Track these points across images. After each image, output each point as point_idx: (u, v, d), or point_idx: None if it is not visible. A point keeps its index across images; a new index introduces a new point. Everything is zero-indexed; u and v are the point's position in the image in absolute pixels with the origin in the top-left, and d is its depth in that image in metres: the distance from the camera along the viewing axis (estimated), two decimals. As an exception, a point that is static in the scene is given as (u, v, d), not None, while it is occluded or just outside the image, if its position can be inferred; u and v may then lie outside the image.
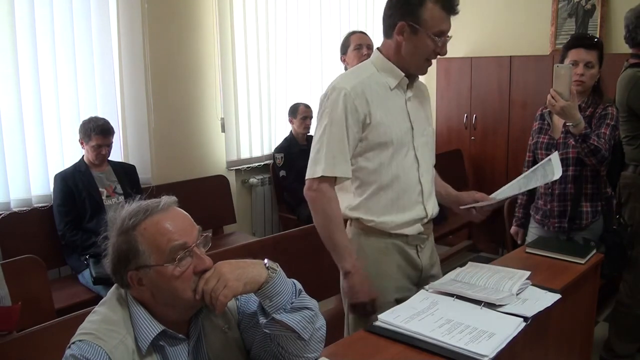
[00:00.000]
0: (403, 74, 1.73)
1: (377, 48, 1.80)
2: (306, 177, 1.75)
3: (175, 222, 1.15)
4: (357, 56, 2.96)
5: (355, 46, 2.97)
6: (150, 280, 1.13)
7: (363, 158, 1.72)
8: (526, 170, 2.51)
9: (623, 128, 2.57)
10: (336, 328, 1.82)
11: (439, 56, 1.71)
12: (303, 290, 1.23)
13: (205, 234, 1.20)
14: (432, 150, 1.89)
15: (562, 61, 2.29)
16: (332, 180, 1.69)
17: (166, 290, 1.13)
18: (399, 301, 1.66)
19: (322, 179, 1.68)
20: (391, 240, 1.76)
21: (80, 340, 1.09)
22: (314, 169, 1.71)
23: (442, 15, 1.62)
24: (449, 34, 1.67)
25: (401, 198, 1.74)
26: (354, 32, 3.07)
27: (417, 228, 1.78)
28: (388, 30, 1.72)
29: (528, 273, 1.68)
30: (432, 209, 1.83)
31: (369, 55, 2.92)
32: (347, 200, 1.77)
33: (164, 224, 1.13)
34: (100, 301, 1.20)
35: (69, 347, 1.10)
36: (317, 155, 1.70)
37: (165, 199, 1.18)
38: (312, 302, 1.23)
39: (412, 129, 1.76)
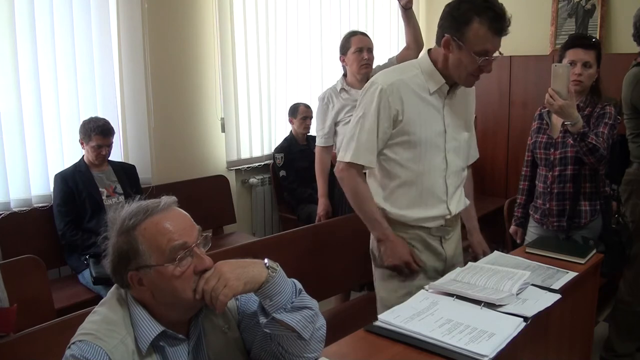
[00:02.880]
0: (444, 81, 1.79)
1: (429, 49, 1.85)
2: (337, 159, 1.90)
3: (175, 222, 1.15)
4: (357, 59, 2.94)
5: (355, 49, 2.93)
6: (150, 281, 1.13)
7: (391, 151, 1.82)
8: (526, 170, 2.53)
9: (628, 126, 2.58)
10: (336, 328, 1.82)
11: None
12: (303, 289, 1.23)
13: (205, 234, 1.20)
14: (466, 155, 1.97)
15: (560, 61, 2.30)
16: (359, 166, 1.83)
17: (166, 290, 1.13)
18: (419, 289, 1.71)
19: (350, 164, 1.83)
20: (414, 231, 1.87)
21: (80, 341, 1.09)
22: (343, 154, 1.85)
23: (488, 35, 1.65)
24: (500, 51, 1.71)
25: (424, 195, 1.84)
26: (354, 34, 3.02)
27: (439, 222, 1.87)
28: (438, 40, 1.77)
29: (528, 273, 1.67)
30: (456, 207, 1.92)
31: (369, 60, 2.95)
32: (373, 189, 1.89)
33: (164, 224, 1.13)
34: (100, 301, 1.20)
35: (69, 347, 1.10)
36: (348, 142, 1.84)
37: (165, 199, 1.18)
38: (312, 302, 1.23)
39: (445, 132, 1.83)
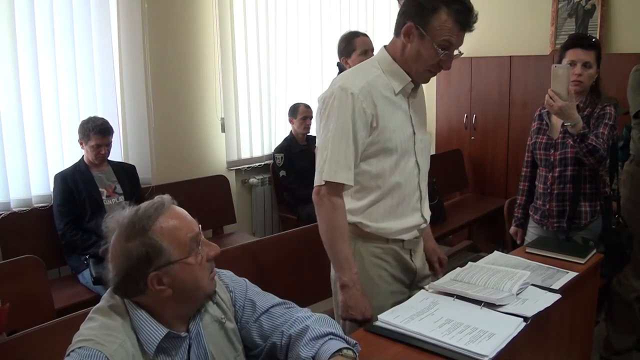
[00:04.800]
0: (409, 79, 1.66)
1: (384, 46, 1.72)
2: (316, 185, 1.66)
3: (181, 216, 1.18)
4: (362, 61, 2.92)
5: (361, 51, 2.90)
6: (172, 277, 1.13)
7: (366, 163, 1.66)
8: (526, 170, 2.53)
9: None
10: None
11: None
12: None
13: (199, 225, 1.23)
14: (429, 155, 1.84)
15: (560, 61, 2.30)
16: (339, 187, 1.61)
17: (189, 282, 1.15)
18: (393, 305, 1.62)
19: (328, 185, 1.60)
20: (388, 246, 1.73)
21: (79, 347, 1.08)
22: (319, 176, 1.62)
23: (453, 27, 1.54)
24: (460, 49, 1.60)
25: (401, 205, 1.70)
26: (357, 35, 2.99)
27: (414, 234, 1.76)
28: (397, 29, 1.64)
29: (528, 273, 1.68)
30: (427, 214, 1.81)
31: None
32: (347, 203, 1.70)
33: (176, 219, 1.16)
34: (93, 309, 1.18)
35: (68, 354, 1.09)
36: (322, 161, 1.61)
37: (166, 198, 1.19)
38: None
39: (414, 134, 1.71)
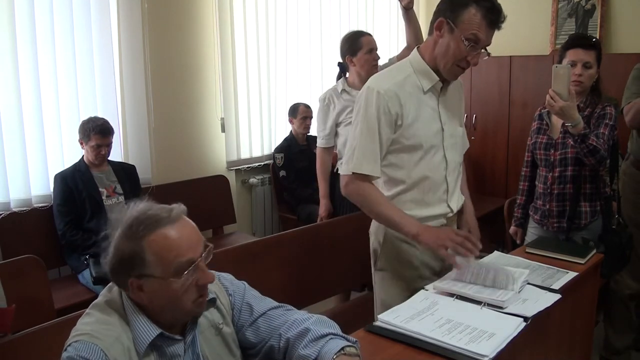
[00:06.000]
0: (437, 78, 1.77)
1: (417, 47, 1.83)
2: (340, 174, 1.83)
3: (183, 235, 1.15)
4: (369, 60, 2.92)
5: (367, 50, 2.91)
6: (151, 289, 1.13)
7: (393, 156, 1.78)
8: (526, 170, 2.53)
9: None
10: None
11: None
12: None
13: (208, 247, 1.20)
14: (462, 149, 1.95)
15: (560, 61, 2.30)
16: (366, 178, 1.76)
17: (166, 300, 1.14)
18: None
19: (354, 176, 1.75)
20: None
21: (76, 342, 1.09)
22: (346, 167, 1.78)
23: (482, 23, 1.64)
24: (488, 49, 1.70)
25: (426, 196, 1.81)
26: (362, 34, 2.99)
27: (441, 221, 1.85)
28: (431, 26, 1.74)
29: (527, 272, 1.68)
30: (457, 204, 1.90)
31: (377, 60, 2.93)
32: None
33: (173, 238, 1.13)
34: (92, 304, 1.19)
35: (65, 349, 1.10)
36: (350, 154, 1.77)
37: (177, 208, 1.17)
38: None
39: (443, 130, 1.81)
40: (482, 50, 1.70)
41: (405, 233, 1.72)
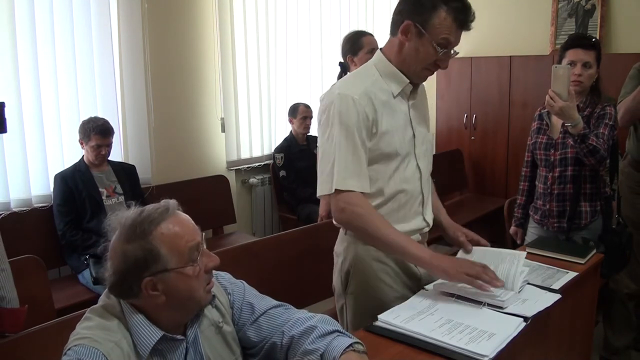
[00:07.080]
0: (407, 81, 1.64)
1: (380, 49, 1.71)
2: (319, 195, 1.63)
3: (184, 222, 1.17)
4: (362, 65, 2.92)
5: (369, 49, 2.89)
6: (167, 285, 1.13)
7: (368, 168, 1.62)
8: (526, 170, 2.53)
9: None
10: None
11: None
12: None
13: (202, 233, 1.22)
14: (431, 157, 1.81)
15: (560, 61, 2.30)
16: (354, 196, 1.58)
17: (184, 291, 1.14)
18: None
19: (338, 195, 1.57)
20: None
21: (76, 345, 1.09)
22: (324, 187, 1.59)
23: (452, 26, 1.53)
24: (456, 49, 1.59)
25: (402, 209, 1.68)
26: (364, 34, 2.99)
27: (416, 237, 1.73)
28: (394, 28, 1.62)
29: (527, 269, 1.67)
30: (430, 217, 1.78)
31: None
32: None
33: (178, 226, 1.15)
34: (89, 309, 1.18)
35: (65, 353, 1.09)
36: (327, 170, 1.58)
37: (171, 203, 1.18)
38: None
39: (414, 136, 1.68)
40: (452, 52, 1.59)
41: (416, 259, 1.56)
